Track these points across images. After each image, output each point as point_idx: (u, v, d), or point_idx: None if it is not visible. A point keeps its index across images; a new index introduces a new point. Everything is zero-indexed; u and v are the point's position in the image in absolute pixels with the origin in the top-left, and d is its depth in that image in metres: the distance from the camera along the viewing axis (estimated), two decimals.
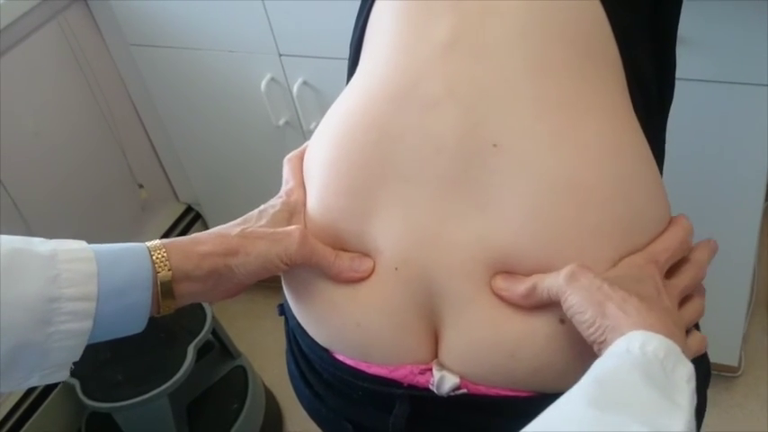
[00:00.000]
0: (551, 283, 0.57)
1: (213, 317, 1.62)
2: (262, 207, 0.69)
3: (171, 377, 1.49)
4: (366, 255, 0.65)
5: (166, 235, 2.01)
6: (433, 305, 0.63)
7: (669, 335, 0.51)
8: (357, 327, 0.65)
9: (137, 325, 0.60)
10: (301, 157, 0.74)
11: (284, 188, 0.71)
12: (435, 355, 0.65)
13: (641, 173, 0.63)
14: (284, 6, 1.45)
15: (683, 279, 0.62)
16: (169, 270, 0.60)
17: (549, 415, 0.47)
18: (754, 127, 1.23)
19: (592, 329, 0.54)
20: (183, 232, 2.06)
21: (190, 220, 2.09)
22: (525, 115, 0.61)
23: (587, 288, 0.55)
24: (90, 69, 1.72)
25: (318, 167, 0.69)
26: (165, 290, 0.60)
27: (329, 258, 0.65)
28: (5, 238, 0.56)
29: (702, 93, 1.23)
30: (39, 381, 0.57)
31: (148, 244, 0.61)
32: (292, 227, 0.65)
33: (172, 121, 1.81)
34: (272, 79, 1.57)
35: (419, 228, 0.62)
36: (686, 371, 0.49)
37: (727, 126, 1.26)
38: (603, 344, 0.53)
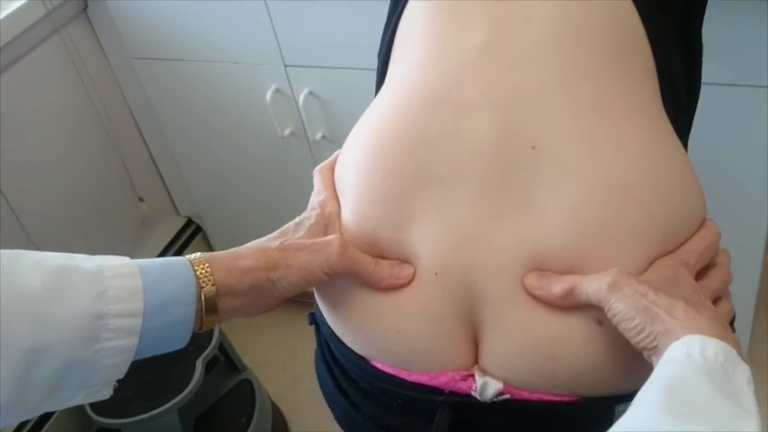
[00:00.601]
0: (591, 288, 0.57)
1: (220, 330, 1.61)
2: (297, 219, 0.68)
3: (180, 392, 1.48)
4: (406, 261, 0.65)
5: (167, 249, 2.01)
6: (474, 309, 0.63)
7: (721, 337, 0.51)
8: (397, 334, 0.64)
9: (180, 340, 0.60)
10: (331, 168, 0.74)
11: (316, 199, 0.71)
12: (476, 360, 0.65)
13: (679, 172, 0.63)
14: (290, 17, 1.45)
15: (713, 281, 0.62)
16: (213, 285, 0.59)
17: (624, 423, 0.46)
18: (755, 128, 1.23)
19: (641, 336, 0.54)
20: (184, 246, 2.05)
21: (191, 233, 2.08)
22: (563, 118, 0.61)
23: (631, 296, 0.55)
24: (92, 83, 1.72)
25: (352, 177, 0.69)
26: (209, 305, 0.60)
27: (369, 267, 0.64)
28: (51, 255, 0.55)
29: (705, 95, 1.23)
30: (83, 399, 0.56)
31: (190, 258, 0.61)
32: (331, 236, 0.65)
33: (174, 134, 1.80)
34: (278, 90, 1.57)
35: (458, 231, 0.62)
36: (745, 374, 0.49)
37: (729, 127, 1.27)
38: (654, 350, 0.53)
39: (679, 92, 0.69)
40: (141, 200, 1.92)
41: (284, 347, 2.02)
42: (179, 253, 2.04)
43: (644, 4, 0.65)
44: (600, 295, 0.56)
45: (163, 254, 1.99)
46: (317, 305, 0.73)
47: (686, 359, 0.49)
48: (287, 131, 1.63)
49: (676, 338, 0.51)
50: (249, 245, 0.65)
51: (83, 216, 1.75)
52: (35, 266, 0.53)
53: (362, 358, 0.68)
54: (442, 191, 0.63)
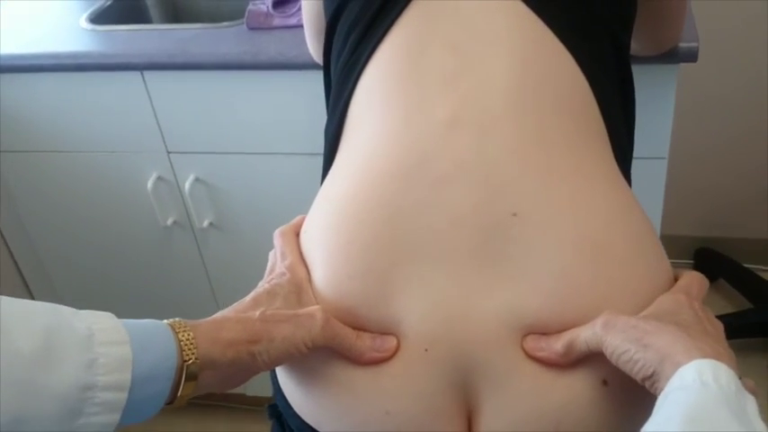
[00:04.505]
0: (588, 334, 0.57)
1: None
2: (267, 287, 0.65)
3: None
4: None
5: None
6: (468, 383, 0.61)
7: (717, 356, 0.51)
8: (386, 415, 0.61)
9: (146, 414, 0.55)
10: (294, 231, 0.71)
11: (283, 263, 0.68)
12: None
13: (647, 231, 0.65)
14: (173, 103, 1.40)
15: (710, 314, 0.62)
16: (197, 358, 0.56)
17: None
18: (652, 197, 1.31)
19: (637, 367, 0.54)
20: None
21: None
22: (539, 184, 0.62)
23: (623, 329, 0.56)
24: None
25: (323, 251, 0.66)
26: (189, 377, 0.56)
27: (351, 339, 0.62)
28: (37, 306, 0.51)
29: None
30: None
31: (171, 323, 0.57)
32: (313, 308, 0.62)
33: (38, 232, 1.67)
34: (159, 178, 1.50)
35: (445, 305, 0.61)
36: (753, 405, 0.49)
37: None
38: (654, 377, 0.53)
39: (625, 151, 0.72)
40: None
41: None
42: None
43: (593, 73, 0.68)
44: (596, 338, 0.56)
45: None
46: (281, 395, 0.69)
47: (702, 387, 0.48)
48: (170, 221, 1.55)
49: (675, 362, 0.51)
50: (226, 315, 0.61)
51: None
52: (24, 322, 0.49)
53: None
54: (424, 263, 0.61)
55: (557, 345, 0.58)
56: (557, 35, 0.67)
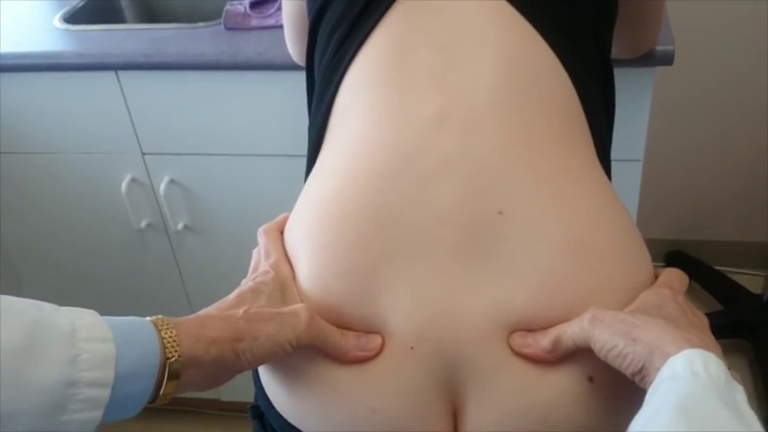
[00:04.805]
0: (575, 330, 0.57)
1: None
2: (251, 284, 0.64)
3: None
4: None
5: None
6: (454, 381, 0.61)
7: (706, 347, 0.51)
8: (372, 413, 0.61)
9: (129, 412, 0.55)
10: (278, 229, 0.71)
11: (267, 261, 0.67)
12: None
13: (629, 227, 0.66)
14: (148, 103, 1.39)
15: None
16: (180, 356, 0.55)
17: None
18: (627, 199, 1.31)
19: (627, 361, 0.54)
20: None
21: None
22: (525, 182, 0.62)
23: (611, 324, 0.56)
24: None
25: (309, 250, 0.65)
26: (172, 375, 0.55)
27: (335, 337, 0.61)
28: (21, 304, 0.51)
29: None
30: None
31: (154, 320, 0.56)
32: (298, 306, 0.62)
33: (7, 236, 1.64)
34: (134, 180, 1.48)
35: (431, 303, 0.61)
36: (743, 395, 0.50)
37: None
38: (643, 371, 0.53)
39: (607, 150, 0.73)
40: None
41: None
42: None
43: (576, 72, 0.68)
44: (584, 333, 0.56)
45: None
46: (263, 395, 0.68)
47: (692, 377, 0.48)
48: (143, 223, 1.54)
49: (664, 353, 0.51)
50: (209, 312, 0.61)
51: None
52: (11, 317, 0.49)
53: None
54: (411, 261, 0.61)
55: (543, 341, 0.58)
56: (541, 35, 0.68)
